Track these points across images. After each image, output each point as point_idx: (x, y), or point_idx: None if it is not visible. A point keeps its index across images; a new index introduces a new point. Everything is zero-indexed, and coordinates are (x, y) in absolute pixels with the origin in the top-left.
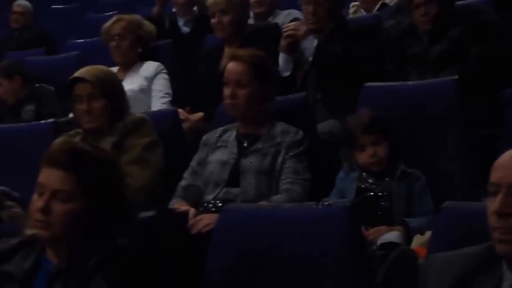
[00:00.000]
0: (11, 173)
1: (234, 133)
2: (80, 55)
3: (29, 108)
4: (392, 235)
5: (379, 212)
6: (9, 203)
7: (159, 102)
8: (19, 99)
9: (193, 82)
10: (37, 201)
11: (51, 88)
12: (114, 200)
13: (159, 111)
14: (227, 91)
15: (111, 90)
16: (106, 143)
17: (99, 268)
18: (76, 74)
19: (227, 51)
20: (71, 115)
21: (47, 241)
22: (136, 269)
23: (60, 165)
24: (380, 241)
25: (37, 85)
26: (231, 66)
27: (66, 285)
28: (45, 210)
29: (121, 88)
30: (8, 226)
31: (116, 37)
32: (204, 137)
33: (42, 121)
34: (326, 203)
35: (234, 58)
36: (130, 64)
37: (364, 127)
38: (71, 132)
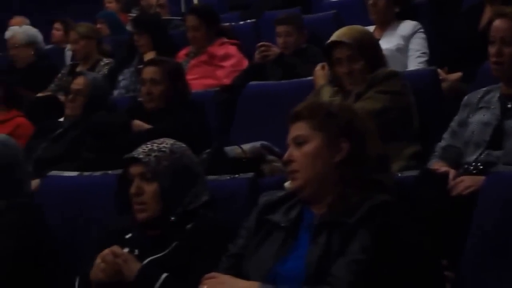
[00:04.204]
0: (273, 128)
1: (497, 94)
2: (337, 14)
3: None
4: None
5: None
6: (270, 157)
7: (415, 61)
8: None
9: (452, 41)
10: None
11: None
12: (368, 153)
13: (417, 71)
14: (492, 49)
15: (369, 50)
16: (353, 97)
17: (364, 221)
18: (333, 37)
19: (489, 9)
20: None
21: (304, 192)
22: (397, 226)
23: (300, 117)
24: None
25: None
26: (498, 23)
27: (330, 237)
28: (287, 161)
29: (378, 47)
30: (270, 179)
31: None
32: (465, 98)
33: (303, 79)
34: None
35: (500, 15)
36: (386, 23)
37: None
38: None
